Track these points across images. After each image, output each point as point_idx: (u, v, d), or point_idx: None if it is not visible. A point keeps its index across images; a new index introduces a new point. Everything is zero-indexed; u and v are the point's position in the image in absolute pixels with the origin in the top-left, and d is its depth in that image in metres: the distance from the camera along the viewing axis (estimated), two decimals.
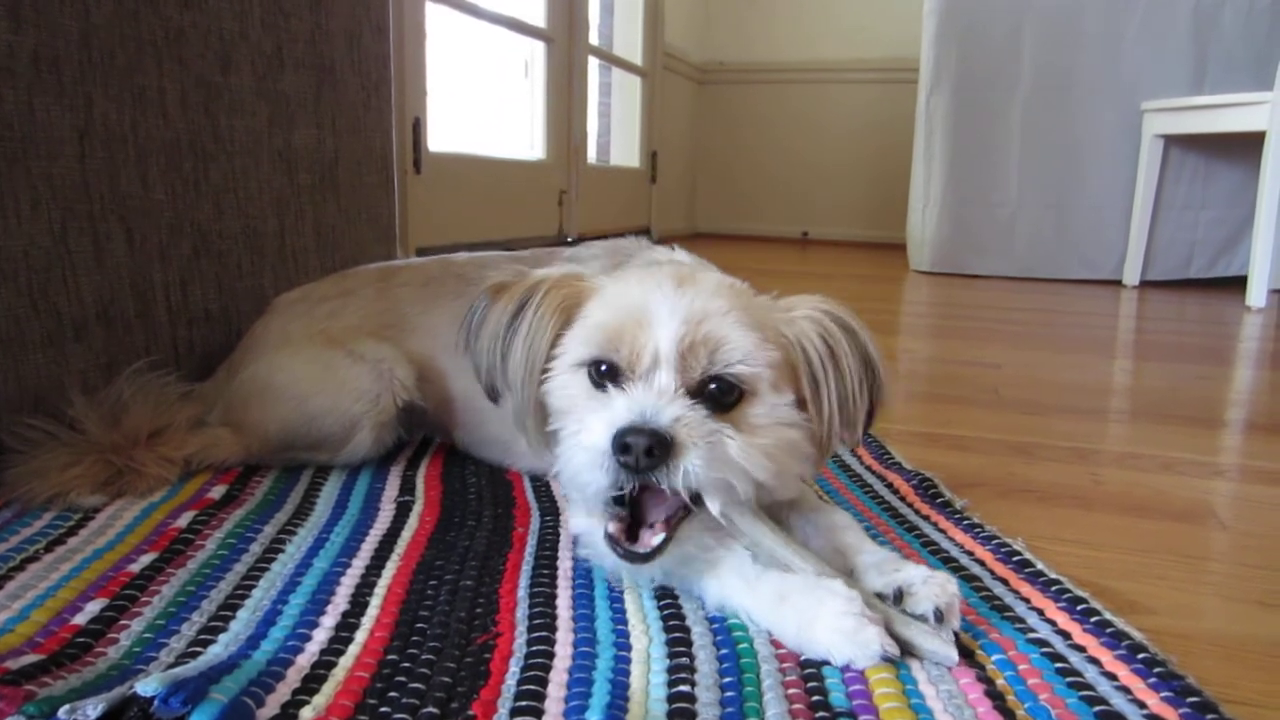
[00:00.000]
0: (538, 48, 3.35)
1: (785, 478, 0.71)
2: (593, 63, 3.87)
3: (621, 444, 0.64)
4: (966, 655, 0.64)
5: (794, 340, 0.72)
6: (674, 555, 0.71)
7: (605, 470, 0.65)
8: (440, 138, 2.64)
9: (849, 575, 0.71)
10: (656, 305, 0.70)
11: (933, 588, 0.66)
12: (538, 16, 3.30)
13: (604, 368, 0.71)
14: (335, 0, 1.48)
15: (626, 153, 4.55)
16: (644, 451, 0.64)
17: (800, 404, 0.72)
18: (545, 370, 0.75)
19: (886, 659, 0.62)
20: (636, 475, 0.65)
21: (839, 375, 0.72)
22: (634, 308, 0.70)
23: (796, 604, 0.65)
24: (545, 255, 1.07)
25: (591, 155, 3.96)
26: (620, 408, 0.66)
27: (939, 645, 0.63)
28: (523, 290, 0.76)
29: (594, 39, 3.88)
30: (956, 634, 0.66)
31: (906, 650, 0.64)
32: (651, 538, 0.69)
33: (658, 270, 0.76)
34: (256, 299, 1.31)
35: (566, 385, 0.73)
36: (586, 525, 0.76)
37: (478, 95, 3.33)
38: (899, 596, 0.67)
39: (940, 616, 0.65)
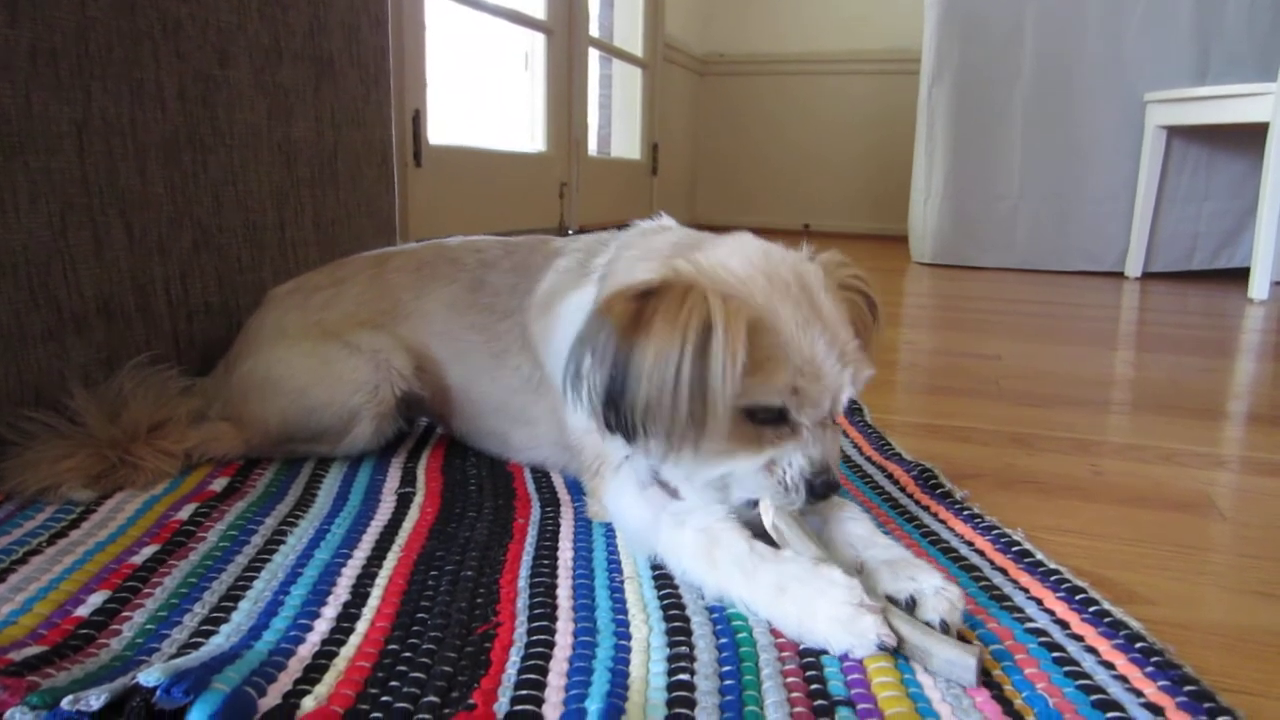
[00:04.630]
0: (538, 39, 3.35)
1: None
2: (593, 54, 3.86)
3: (811, 485, 0.74)
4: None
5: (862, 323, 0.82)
6: (676, 542, 0.74)
7: (792, 494, 0.74)
8: (440, 130, 2.64)
9: (858, 568, 0.71)
10: (826, 358, 0.73)
11: (943, 601, 0.66)
12: (537, 8, 3.29)
13: (773, 414, 0.74)
14: None
15: (627, 145, 4.54)
16: (825, 493, 0.75)
17: None
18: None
19: (883, 648, 0.62)
20: (806, 501, 0.75)
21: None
22: (817, 373, 0.73)
23: (795, 594, 0.66)
24: (538, 243, 1.06)
25: (592, 147, 3.96)
26: (819, 452, 0.75)
27: (959, 655, 0.60)
28: (699, 320, 0.68)
29: (594, 30, 3.87)
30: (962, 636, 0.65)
31: (919, 660, 0.63)
32: None
33: (785, 288, 0.74)
34: (257, 292, 1.31)
35: (730, 420, 0.73)
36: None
37: (478, 88, 3.32)
38: (911, 604, 0.67)
39: (945, 629, 0.64)
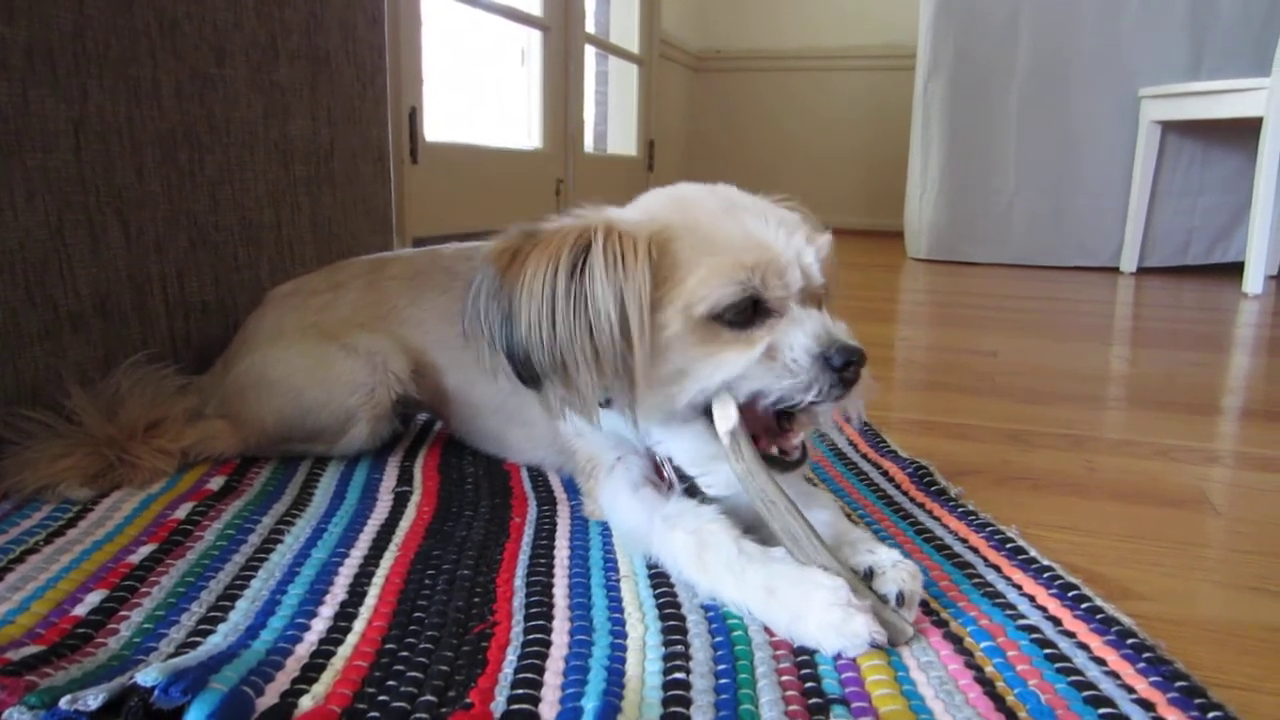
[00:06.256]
0: (534, 36, 3.34)
1: None
2: (589, 51, 3.85)
3: (826, 360, 0.67)
4: (955, 641, 0.65)
5: None
6: (668, 544, 0.74)
7: (805, 378, 0.68)
8: (437, 127, 2.63)
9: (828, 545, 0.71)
10: (781, 239, 0.70)
11: (901, 572, 0.68)
12: (534, 4, 3.29)
13: (743, 310, 0.69)
14: None
15: (623, 141, 4.54)
16: (848, 364, 0.67)
17: None
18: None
19: (876, 646, 0.63)
20: (835, 388, 0.68)
21: None
22: (761, 244, 0.69)
23: (785, 597, 0.66)
24: None
25: (588, 144, 3.95)
26: (818, 325, 0.69)
27: (894, 618, 0.65)
28: (570, 246, 0.67)
29: (590, 27, 3.87)
30: (949, 622, 0.66)
31: None
32: (792, 439, 0.73)
33: (699, 200, 0.74)
34: (253, 290, 1.31)
35: (694, 333, 0.70)
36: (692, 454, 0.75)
37: (474, 85, 3.32)
38: (869, 575, 0.68)
39: (901, 600, 0.66)
